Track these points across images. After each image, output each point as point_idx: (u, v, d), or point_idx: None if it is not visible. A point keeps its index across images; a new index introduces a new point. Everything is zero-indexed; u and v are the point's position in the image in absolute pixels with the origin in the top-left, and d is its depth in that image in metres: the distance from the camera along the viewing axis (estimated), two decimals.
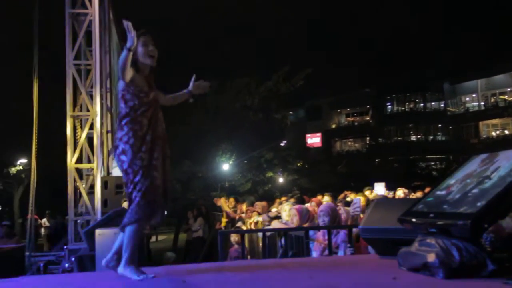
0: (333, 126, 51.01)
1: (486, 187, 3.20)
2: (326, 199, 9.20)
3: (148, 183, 3.56)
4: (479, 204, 3.05)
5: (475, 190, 3.27)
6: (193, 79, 4.12)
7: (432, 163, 43.35)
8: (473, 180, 3.43)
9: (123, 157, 3.59)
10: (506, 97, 43.66)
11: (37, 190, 10.18)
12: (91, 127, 9.54)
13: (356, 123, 50.19)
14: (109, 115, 9.97)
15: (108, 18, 10.43)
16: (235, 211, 11.43)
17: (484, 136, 44.00)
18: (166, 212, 3.99)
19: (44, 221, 19.71)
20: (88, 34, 9.66)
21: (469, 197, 3.25)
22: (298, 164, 29.02)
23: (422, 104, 48.16)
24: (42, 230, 19.55)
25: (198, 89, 4.16)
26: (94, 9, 9.29)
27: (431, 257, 3.08)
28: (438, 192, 3.69)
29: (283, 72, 23.20)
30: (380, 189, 9.45)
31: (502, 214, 3.12)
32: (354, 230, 5.21)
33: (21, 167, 26.66)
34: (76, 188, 9.65)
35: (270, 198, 13.79)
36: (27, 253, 9.29)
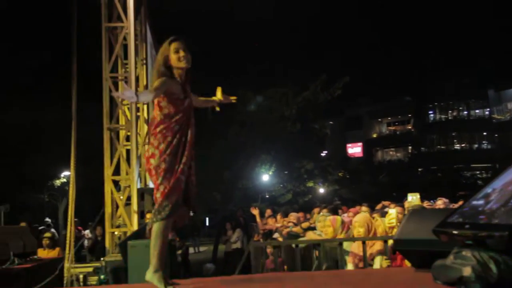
0: (374, 135, 50.61)
1: None
2: (363, 210, 8.99)
3: (172, 185, 3.63)
4: None
5: None
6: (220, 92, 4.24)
7: (477, 172, 42.45)
8: None
9: (152, 160, 3.67)
10: None
11: (80, 202, 10.31)
12: (128, 139, 9.60)
13: (397, 132, 49.60)
14: (145, 127, 10.01)
15: (144, 30, 10.52)
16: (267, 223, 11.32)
17: None
18: (191, 215, 4.03)
19: (87, 232, 19.96)
20: (125, 47, 9.76)
21: (507, 207, 3.09)
22: (339, 174, 28.82)
23: (465, 112, 47.45)
24: (86, 241, 19.80)
25: (226, 100, 4.30)
26: (130, 22, 9.38)
27: (467, 271, 2.93)
28: (475, 202, 3.52)
29: (321, 81, 23.06)
30: (414, 199, 9.16)
31: None
32: (391, 241, 5.05)
33: (65, 180, 27.17)
34: (113, 200, 9.70)
35: (310, 209, 13.64)
36: (67, 265, 9.37)
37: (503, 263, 2.86)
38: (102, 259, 9.19)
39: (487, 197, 3.49)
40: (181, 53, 3.82)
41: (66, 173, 26.94)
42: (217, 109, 4.22)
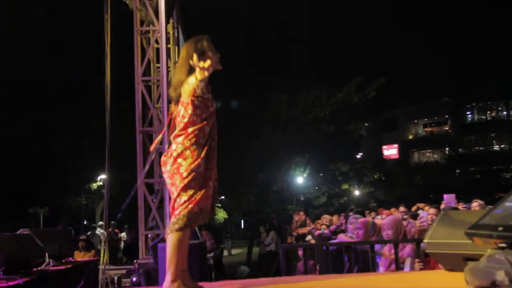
0: (410, 136, 50.07)
1: None
2: (401, 210, 8.86)
3: (203, 191, 3.54)
4: None
5: None
6: None
7: None
8: None
9: (181, 161, 3.54)
10: None
11: (116, 205, 10.40)
12: (161, 142, 9.64)
13: (434, 133, 48.98)
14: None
15: (177, 32, 10.57)
16: (303, 225, 11.29)
17: None
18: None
19: (124, 234, 20.23)
20: (157, 50, 9.83)
21: None
22: (375, 176, 28.58)
23: (505, 112, 46.59)
24: (122, 243, 20.05)
25: None
26: (161, 26, 9.42)
27: (500, 275, 2.87)
28: (508, 204, 3.43)
29: (355, 82, 22.92)
30: (450, 201, 8.98)
31: None
32: (423, 244, 4.95)
33: (101, 183, 27.62)
34: (146, 203, 9.77)
35: (344, 211, 13.56)
36: (101, 266, 9.47)
37: None
38: (135, 261, 9.25)
39: None
40: (218, 54, 3.75)
41: (102, 176, 27.41)
42: None
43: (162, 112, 9.61)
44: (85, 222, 30.81)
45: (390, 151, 47.21)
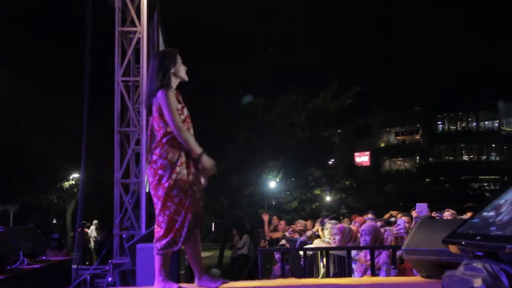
0: (382, 144, 50.50)
1: None
2: (370, 217, 8.97)
3: (190, 197, 3.64)
4: None
5: None
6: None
7: (485, 184, 42.27)
8: None
9: (162, 172, 3.63)
10: None
11: (87, 204, 10.31)
12: (138, 142, 9.62)
13: (405, 142, 49.48)
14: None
15: (157, 35, 10.55)
16: (276, 230, 11.35)
17: None
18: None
19: (94, 234, 20.02)
20: (137, 51, 9.79)
21: None
22: (346, 183, 28.76)
23: (475, 123, 47.26)
24: (92, 243, 19.85)
25: (205, 173, 3.92)
26: (143, 27, 9.41)
27: (477, 283, 2.91)
28: (486, 214, 3.52)
29: (331, 89, 23.02)
30: (422, 209, 9.12)
31: None
32: (399, 251, 5.03)
33: (73, 182, 27.33)
34: (122, 203, 9.72)
35: (317, 217, 13.64)
36: (74, 266, 9.39)
37: None
38: (110, 261, 9.19)
39: (498, 208, 3.48)
40: (185, 68, 3.93)
41: (75, 175, 27.11)
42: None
43: (140, 113, 9.59)
44: (54, 221, 30.40)
45: (362, 158, 47.53)
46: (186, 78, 3.91)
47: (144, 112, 9.47)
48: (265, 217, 12.44)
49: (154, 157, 3.68)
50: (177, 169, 3.63)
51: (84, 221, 16.49)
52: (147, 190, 9.54)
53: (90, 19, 9.21)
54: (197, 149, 3.68)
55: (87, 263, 15.26)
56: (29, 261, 7.55)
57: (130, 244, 7.40)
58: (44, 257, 8.59)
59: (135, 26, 9.52)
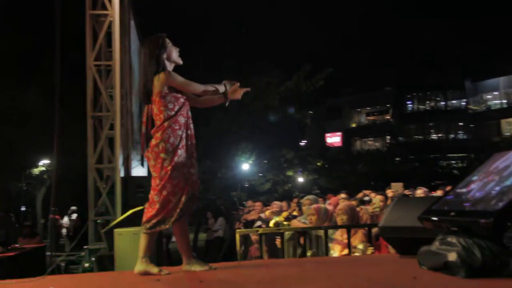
0: (353, 125, 50.77)
1: (508, 184, 3.14)
2: (342, 197, 9.11)
3: (188, 180, 3.76)
4: (501, 201, 2.99)
5: (497, 188, 3.21)
6: (227, 85, 4.11)
7: (453, 162, 42.85)
8: (495, 178, 3.37)
9: (163, 155, 3.73)
10: None
11: (59, 191, 10.21)
12: (111, 127, 9.57)
13: (376, 122, 49.85)
14: (129, 116, 10.00)
15: (128, 19, 10.46)
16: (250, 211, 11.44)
17: (507, 134, 43.42)
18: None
19: (66, 221, 19.85)
20: (108, 35, 9.70)
21: (491, 194, 3.19)
22: (318, 164, 28.95)
23: (443, 103, 47.83)
24: (64, 230, 19.68)
25: (235, 95, 4.13)
26: (114, 10, 9.33)
27: (452, 256, 3.03)
28: (459, 190, 3.64)
29: (304, 71, 23.08)
30: (398, 188, 9.35)
31: None
32: (374, 229, 5.16)
33: (43, 168, 26.91)
34: (96, 188, 9.69)
35: (290, 198, 13.74)
36: (48, 253, 9.36)
37: (487, 249, 2.95)
38: (85, 247, 9.17)
39: (470, 185, 3.60)
40: (178, 48, 3.99)
41: (44, 161, 26.70)
42: (226, 104, 4.18)
43: (113, 97, 9.54)
44: (24, 208, 29.97)
45: (334, 139, 47.79)
46: (180, 61, 3.99)
47: (117, 97, 9.44)
48: (249, 203, 12.53)
49: (156, 141, 3.76)
50: (179, 152, 3.75)
51: (56, 208, 16.31)
52: (122, 175, 9.54)
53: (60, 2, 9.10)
54: (221, 87, 3.91)
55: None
56: (2, 249, 7.52)
57: (107, 229, 7.40)
58: (17, 245, 8.57)
59: (106, 10, 9.44)
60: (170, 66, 3.93)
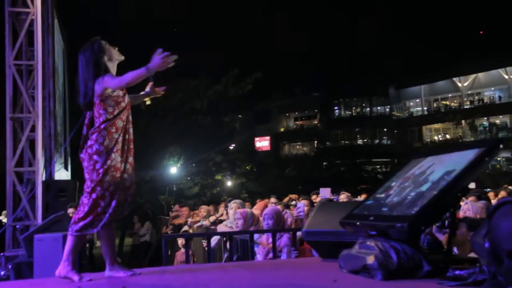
0: (282, 129, 51.25)
1: (422, 190, 3.27)
2: (272, 201, 9.23)
3: (119, 185, 3.72)
4: (416, 207, 3.12)
5: (412, 193, 3.34)
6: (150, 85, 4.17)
7: (378, 166, 44.17)
8: (411, 184, 3.51)
9: (96, 157, 3.68)
10: (447, 102, 45.06)
11: None
12: (33, 129, 9.27)
13: (304, 127, 50.52)
14: (52, 118, 9.73)
15: (52, 18, 10.19)
16: (176, 216, 11.40)
17: (427, 140, 45.17)
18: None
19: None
20: (30, 34, 9.39)
21: (406, 200, 3.31)
22: (247, 167, 29.12)
23: (368, 109, 49.05)
24: None
25: (155, 93, 4.22)
26: (36, 8, 9.05)
27: (370, 259, 3.11)
28: (378, 195, 3.76)
29: (232, 75, 23.18)
30: (326, 193, 9.54)
31: (437, 217, 3.20)
32: (298, 233, 5.24)
33: None
34: (15, 192, 9.35)
35: (218, 202, 13.76)
36: None
37: (402, 252, 3.06)
38: (1, 254, 8.81)
39: (388, 190, 3.73)
40: (116, 47, 3.96)
41: None
42: (147, 102, 4.26)
43: (35, 98, 9.25)
44: None
45: (262, 143, 48.07)
46: (121, 57, 3.97)
47: (39, 98, 9.16)
48: (176, 209, 12.44)
49: (90, 142, 3.72)
50: (112, 155, 3.70)
51: None
52: (43, 179, 9.25)
53: None
54: (142, 70, 3.70)
55: None
56: None
57: (26, 235, 7.16)
58: None
59: (28, 7, 9.14)
60: (113, 66, 3.91)
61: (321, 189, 9.96)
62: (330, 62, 49.53)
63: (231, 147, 32.80)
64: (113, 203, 3.68)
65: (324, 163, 41.57)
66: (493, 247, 2.04)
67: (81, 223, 3.66)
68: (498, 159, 34.42)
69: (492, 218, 2.06)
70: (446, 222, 3.41)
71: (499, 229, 2.02)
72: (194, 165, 25.76)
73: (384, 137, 48.19)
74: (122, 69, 3.95)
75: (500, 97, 42.07)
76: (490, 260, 2.04)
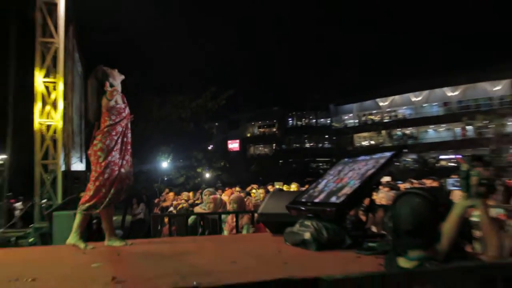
0: (249, 135, 51.21)
1: (347, 183, 3.32)
2: (237, 190, 9.21)
3: (117, 176, 3.70)
4: (341, 196, 3.16)
5: (339, 185, 3.39)
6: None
7: (321, 164, 44.51)
8: (336, 179, 3.55)
9: (100, 153, 3.67)
10: (372, 117, 45.75)
11: (13, 181, 9.70)
12: (55, 131, 9.12)
13: (266, 133, 50.57)
14: (70, 122, 9.56)
15: (72, 46, 10.02)
16: (164, 200, 11.30)
17: (357, 145, 45.68)
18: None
19: (19, 204, 18.58)
20: (54, 58, 9.23)
21: (335, 190, 3.36)
22: (221, 163, 29.05)
23: (314, 120, 49.31)
24: (17, 212, 18.37)
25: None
26: (60, 39, 8.89)
27: (307, 235, 3.14)
28: (314, 187, 3.79)
29: (210, 91, 23.26)
30: (279, 185, 9.58)
31: (358, 203, 3.26)
32: (256, 214, 5.24)
33: (1, 162, 24.99)
34: (42, 179, 9.19)
35: (198, 189, 13.68)
36: (0, 230, 8.81)
37: (331, 229, 3.10)
38: (31, 225, 8.63)
39: (322, 183, 3.77)
40: (116, 69, 3.95)
41: (2, 156, 24.80)
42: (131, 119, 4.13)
43: (57, 107, 9.06)
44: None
45: (234, 145, 47.97)
46: (122, 76, 3.95)
47: (60, 107, 8.98)
48: (164, 194, 12.26)
49: (96, 142, 3.72)
50: (113, 153, 3.69)
51: (9, 193, 15.31)
52: (62, 169, 9.10)
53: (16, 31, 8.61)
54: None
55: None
56: None
57: (49, 212, 7.02)
58: None
59: (53, 38, 8.98)
60: (118, 84, 3.90)
61: (276, 183, 9.99)
62: (287, 84, 49.85)
63: (209, 148, 32.68)
64: (112, 190, 3.67)
65: (280, 161, 41.73)
66: (395, 227, 2.09)
67: (87, 204, 3.65)
68: (408, 159, 34.92)
69: (395, 205, 2.10)
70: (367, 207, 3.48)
71: (399, 213, 2.07)
72: (181, 160, 25.60)
73: (326, 142, 48.54)
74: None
75: (410, 114, 42.97)
76: (392, 236, 2.09)
